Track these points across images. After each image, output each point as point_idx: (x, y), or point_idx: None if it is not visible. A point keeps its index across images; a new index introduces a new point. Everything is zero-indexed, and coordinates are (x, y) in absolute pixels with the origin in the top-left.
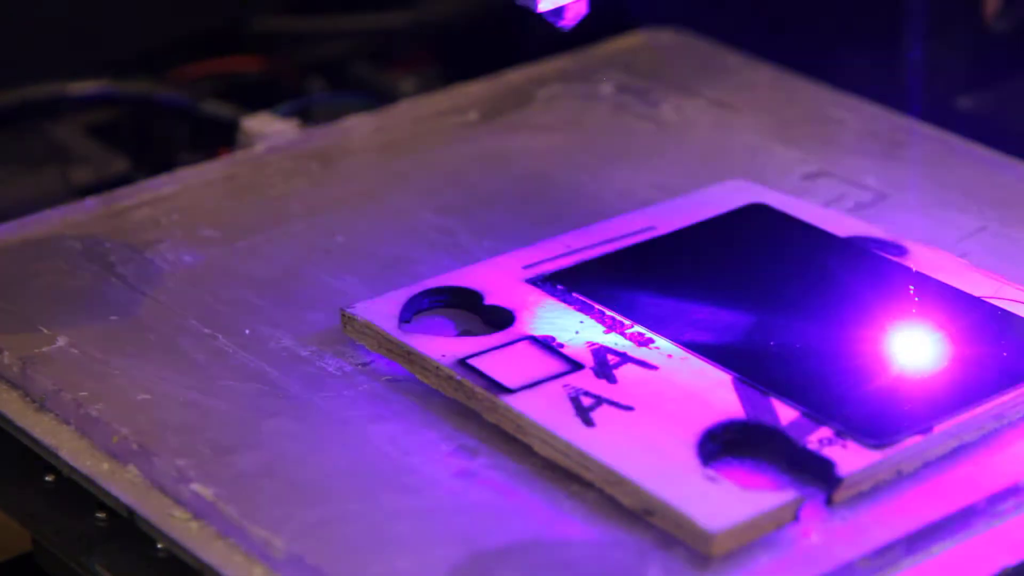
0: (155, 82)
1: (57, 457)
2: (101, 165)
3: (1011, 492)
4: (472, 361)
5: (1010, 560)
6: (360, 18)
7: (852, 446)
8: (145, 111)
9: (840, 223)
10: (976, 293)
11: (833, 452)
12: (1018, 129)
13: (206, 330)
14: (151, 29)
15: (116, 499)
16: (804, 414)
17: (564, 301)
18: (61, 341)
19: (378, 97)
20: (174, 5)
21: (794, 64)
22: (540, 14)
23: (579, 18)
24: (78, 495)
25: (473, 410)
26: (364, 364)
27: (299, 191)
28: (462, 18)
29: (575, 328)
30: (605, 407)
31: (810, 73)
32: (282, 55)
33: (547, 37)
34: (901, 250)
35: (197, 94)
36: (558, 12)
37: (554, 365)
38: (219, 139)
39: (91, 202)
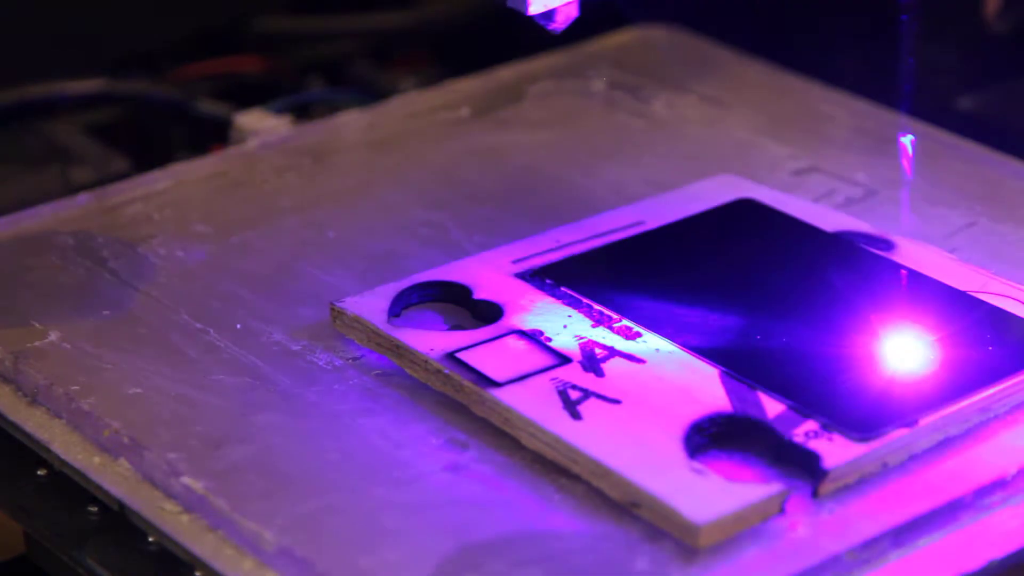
0: (152, 82)
1: (49, 451)
2: (100, 165)
3: (997, 485)
4: (461, 355)
5: (996, 553)
6: (360, 18)
7: (838, 439)
8: (143, 111)
9: (828, 218)
10: (963, 288)
11: (819, 445)
12: (1018, 129)
13: (198, 325)
14: (151, 29)
15: (107, 492)
16: (790, 407)
17: (553, 295)
18: (53, 336)
19: (376, 96)
20: (174, 5)
21: (786, 61)
22: (531, 17)
23: (570, 21)
24: (70, 489)
25: (462, 404)
26: (354, 358)
27: (291, 187)
28: (462, 18)
29: (563, 322)
30: (593, 400)
31: (803, 71)
32: (282, 55)
33: (546, 37)
34: (889, 245)
35: (194, 94)
36: (549, 15)
37: (542, 359)
38: (217, 138)
39: (83, 197)
